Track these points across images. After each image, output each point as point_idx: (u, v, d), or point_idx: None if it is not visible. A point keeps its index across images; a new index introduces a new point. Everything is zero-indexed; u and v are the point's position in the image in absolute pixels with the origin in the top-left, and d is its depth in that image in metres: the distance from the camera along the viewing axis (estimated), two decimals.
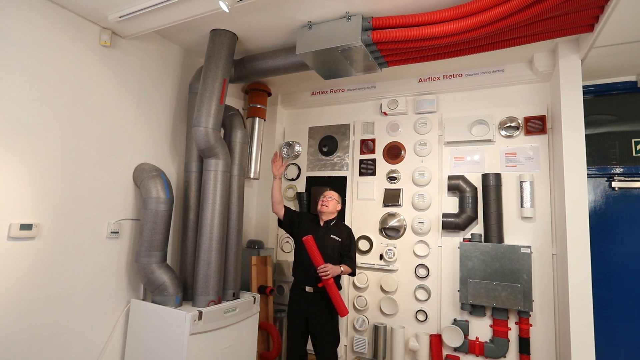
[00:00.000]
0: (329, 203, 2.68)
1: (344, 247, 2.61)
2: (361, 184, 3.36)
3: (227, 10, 1.93)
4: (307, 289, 2.55)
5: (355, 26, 2.19)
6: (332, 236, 2.61)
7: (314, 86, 3.60)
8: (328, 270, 2.37)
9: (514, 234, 2.76)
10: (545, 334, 2.59)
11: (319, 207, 2.70)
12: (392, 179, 3.24)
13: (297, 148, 3.59)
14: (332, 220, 2.70)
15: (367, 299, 3.14)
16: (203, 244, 2.39)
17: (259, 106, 3.44)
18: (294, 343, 2.60)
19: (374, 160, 3.36)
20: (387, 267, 3.10)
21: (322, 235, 2.59)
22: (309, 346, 2.60)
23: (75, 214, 2.17)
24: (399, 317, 3.04)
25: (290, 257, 3.58)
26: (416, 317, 2.97)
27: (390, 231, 3.15)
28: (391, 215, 3.18)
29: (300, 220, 2.74)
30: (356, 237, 3.19)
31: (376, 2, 2.10)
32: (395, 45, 2.25)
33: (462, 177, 2.93)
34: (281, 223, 2.79)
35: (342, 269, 2.47)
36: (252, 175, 3.35)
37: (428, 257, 3.01)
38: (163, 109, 2.73)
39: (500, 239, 2.71)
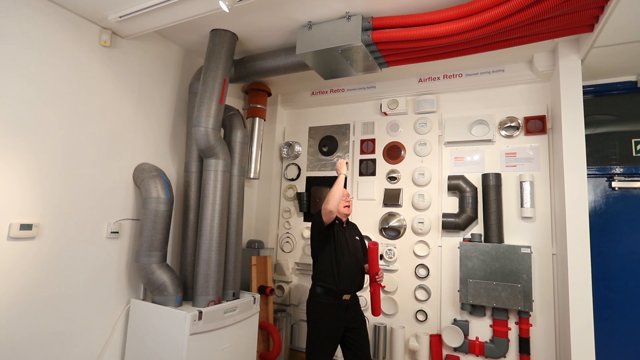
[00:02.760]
0: (351, 204, 2.61)
1: (362, 246, 2.60)
2: (361, 184, 3.36)
3: (227, 10, 1.93)
4: (345, 296, 2.39)
5: (355, 26, 2.19)
6: (355, 237, 2.58)
7: (314, 86, 3.60)
8: (382, 274, 2.44)
9: (514, 234, 2.76)
10: (545, 334, 2.59)
11: (341, 208, 2.53)
12: (392, 179, 3.24)
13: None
14: (347, 220, 2.64)
15: (367, 299, 3.13)
16: (203, 244, 2.39)
17: (259, 106, 3.44)
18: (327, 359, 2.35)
19: (374, 160, 3.36)
20: (387, 267, 3.10)
21: (349, 238, 2.50)
22: None
23: (75, 214, 2.17)
24: (399, 317, 3.04)
25: (290, 257, 3.58)
26: (416, 317, 2.97)
27: (390, 231, 3.15)
28: (391, 215, 3.18)
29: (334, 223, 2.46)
30: None
31: (376, 2, 2.10)
32: (395, 45, 2.25)
33: (462, 177, 2.93)
34: (325, 224, 2.38)
35: None
36: (252, 175, 3.35)
37: (428, 257, 3.01)
38: (163, 109, 2.73)
39: (500, 239, 2.71)
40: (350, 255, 2.42)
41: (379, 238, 3.20)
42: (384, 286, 2.53)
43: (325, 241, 2.42)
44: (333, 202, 2.29)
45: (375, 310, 2.49)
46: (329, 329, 2.35)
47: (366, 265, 2.53)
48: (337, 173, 2.45)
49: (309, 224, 3.51)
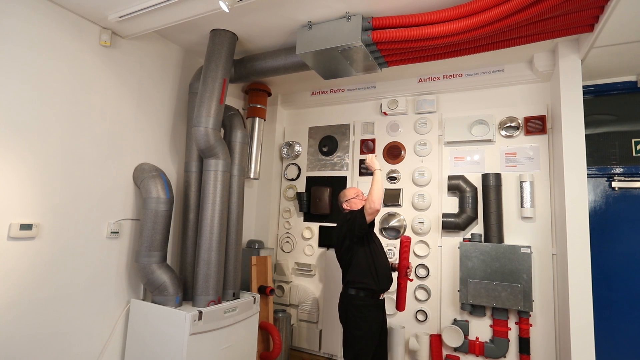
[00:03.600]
0: None
1: None
2: (361, 184, 3.36)
3: (227, 10, 1.93)
4: (382, 296, 2.38)
5: (355, 26, 2.19)
6: (377, 235, 2.59)
7: (314, 86, 3.60)
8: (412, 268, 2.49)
9: (514, 234, 2.76)
10: (545, 334, 2.59)
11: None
12: (392, 179, 3.24)
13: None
14: None
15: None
16: (203, 244, 2.39)
17: (259, 106, 3.44)
18: None
19: None
20: None
21: (374, 236, 2.50)
22: None
23: (75, 214, 2.17)
24: (399, 317, 3.04)
25: (290, 257, 3.58)
26: (416, 317, 2.97)
27: (390, 231, 3.15)
28: (391, 215, 3.18)
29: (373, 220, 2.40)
30: None
31: (376, 2, 2.10)
32: (395, 45, 2.25)
33: (462, 177, 2.93)
34: (368, 222, 2.27)
35: None
36: (252, 175, 3.35)
37: (428, 257, 3.01)
38: (163, 109, 2.73)
39: (500, 239, 2.71)
40: (381, 253, 2.43)
41: (379, 238, 3.19)
42: (412, 279, 2.58)
43: (363, 241, 2.36)
44: (380, 199, 2.24)
45: (402, 305, 2.48)
46: (372, 335, 2.28)
47: (392, 261, 2.60)
48: (371, 170, 2.38)
49: (309, 224, 3.53)
